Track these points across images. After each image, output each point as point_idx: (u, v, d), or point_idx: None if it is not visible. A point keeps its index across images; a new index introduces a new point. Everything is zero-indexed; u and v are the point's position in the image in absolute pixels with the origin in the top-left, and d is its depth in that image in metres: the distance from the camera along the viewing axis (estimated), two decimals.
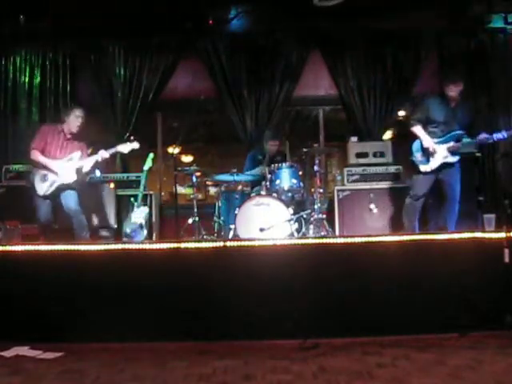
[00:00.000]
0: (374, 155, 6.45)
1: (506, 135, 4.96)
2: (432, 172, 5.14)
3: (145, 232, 5.61)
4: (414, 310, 3.95)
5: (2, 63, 7.13)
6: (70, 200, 5.29)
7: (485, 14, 6.97)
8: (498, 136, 4.98)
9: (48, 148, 5.30)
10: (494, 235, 4.12)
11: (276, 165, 5.64)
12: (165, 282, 4.03)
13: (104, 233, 6.03)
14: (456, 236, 4.20)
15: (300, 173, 5.65)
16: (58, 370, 3.31)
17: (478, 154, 6.24)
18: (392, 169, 6.36)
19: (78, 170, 5.25)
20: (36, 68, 7.12)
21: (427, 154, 5.14)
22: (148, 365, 3.41)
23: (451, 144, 5.08)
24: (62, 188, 5.27)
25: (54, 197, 5.30)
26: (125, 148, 5.40)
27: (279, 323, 3.91)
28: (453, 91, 5.05)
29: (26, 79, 7.10)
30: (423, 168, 5.15)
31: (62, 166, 5.24)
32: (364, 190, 6.23)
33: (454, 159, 5.12)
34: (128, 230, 5.61)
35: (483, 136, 5.02)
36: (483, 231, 4.38)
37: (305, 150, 5.81)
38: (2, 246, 4.30)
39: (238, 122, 7.15)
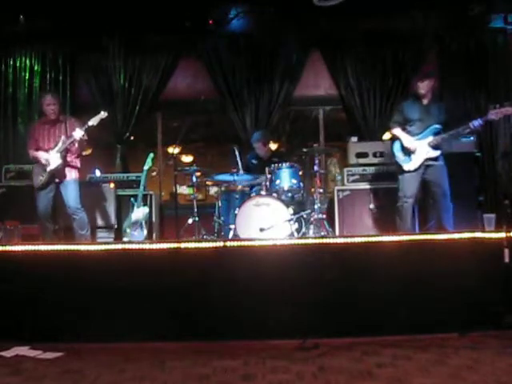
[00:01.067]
0: (374, 155, 6.45)
1: (481, 122, 4.98)
2: (416, 170, 5.16)
3: (145, 232, 5.62)
4: (414, 310, 3.95)
5: (2, 63, 7.12)
6: (69, 195, 5.31)
7: (485, 13, 6.99)
8: (475, 123, 4.98)
9: (39, 144, 5.37)
10: (493, 235, 4.12)
11: (276, 165, 5.64)
12: (165, 281, 4.03)
13: (101, 234, 6.03)
14: (456, 236, 4.20)
15: (300, 173, 5.65)
16: (58, 370, 3.31)
17: (477, 154, 6.26)
18: (392, 169, 6.35)
19: (61, 152, 5.24)
20: (36, 68, 7.12)
21: (408, 152, 5.18)
22: (148, 365, 3.41)
23: (430, 139, 5.11)
24: (59, 180, 5.29)
25: (51, 188, 5.32)
26: (94, 120, 5.31)
27: (279, 323, 3.91)
28: (421, 89, 5.16)
29: (26, 79, 7.10)
30: (407, 167, 5.18)
31: (51, 155, 5.26)
32: (364, 190, 6.23)
33: (435, 153, 5.14)
34: (128, 230, 5.62)
35: (476, 123, 5.00)
36: (483, 231, 4.38)
37: (305, 149, 5.81)
38: (2, 246, 4.30)
39: (238, 122, 7.15)
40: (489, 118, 5.00)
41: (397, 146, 5.30)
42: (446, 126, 5.14)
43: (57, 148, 5.24)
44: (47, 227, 5.40)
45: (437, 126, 5.14)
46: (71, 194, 5.32)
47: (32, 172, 5.41)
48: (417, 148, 5.13)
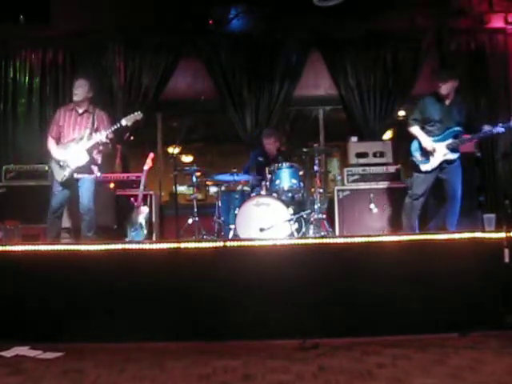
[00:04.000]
0: (374, 155, 6.45)
1: (504, 128, 4.98)
2: (432, 171, 5.14)
3: (145, 232, 5.61)
4: (414, 310, 3.95)
5: (2, 63, 7.11)
6: (85, 194, 5.13)
7: (485, 13, 6.99)
8: (498, 129, 4.99)
9: (62, 131, 5.19)
10: (494, 235, 4.12)
11: (276, 165, 5.65)
12: (165, 282, 4.04)
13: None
14: (456, 236, 4.20)
15: (300, 173, 5.65)
16: (58, 369, 3.31)
17: (478, 154, 6.25)
18: (392, 169, 6.36)
19: (89, 150, 5.06)
20: (36, 68, 7.11)
21: (426, 153, 5.14)
22: (148, 365, 3.41)
23: (450, 141, 5.09)
24: (79, 175, 5.11)
25: (71, 186, 5.16)
26: (129, 120, 5.16)
27: (279, 323, 3.92)
28: (444, 89, 5.09)
29: (26, 79, 7.09)
30: (424, 168, 5.15)
31: (72, 150, 5.07)
32: (364, 190, 6.23)
33: (454, 156, 5.12)
34: (128, 230, 5.61)
35: (487, 128, 5.02)
36: (483, 231, 4.39)
37: (305, 149, 5.81)
38: (2, 246, 4.30)
39: (238, 121, 7.14)
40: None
41: (415, 146, 5.24)
42: (465, 128, 5.11)
43: (82, 142, 5.03)
44: (54, 226, 5.23)
45: (457, 128, 5.09)
46: (88, 192, 5.14)
47: (52, 165, 5.21)
48: (435, 149, 5.09)
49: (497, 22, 7.05)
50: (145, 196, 5.96)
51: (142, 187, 5.80)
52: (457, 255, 4.04)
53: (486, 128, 5.04)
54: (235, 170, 5.85)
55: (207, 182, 6.53)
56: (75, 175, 5.12)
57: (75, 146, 5.09)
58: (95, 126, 5.14)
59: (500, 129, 5.00)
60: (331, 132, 7.74)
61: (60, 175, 5.12)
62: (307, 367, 3.22)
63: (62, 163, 5.11)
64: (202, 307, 4.00)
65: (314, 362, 3.34)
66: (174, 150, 6.10)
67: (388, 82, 7.08)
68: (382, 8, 6.65)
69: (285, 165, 5.61)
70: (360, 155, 6.46)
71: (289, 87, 7.14)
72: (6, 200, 6.06)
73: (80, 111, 5.22)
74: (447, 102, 5.15)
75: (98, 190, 6.06)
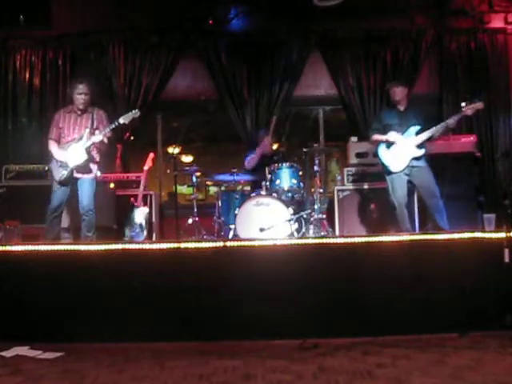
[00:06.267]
0: (374, 155, 6.43)
1: (456, 119, 5.09)
2: (403, 171, 5.17)
3: (145, 232, 5.61)
4: (414, 310, 3.95)
5: (2, 63, 7.12)
6: (85, 194, 5.13)
7: (485, 13, 6.99)
8: (451, 121, 5.09)
9: (62, 132, 5.20)
10: (494, 235, 4.12)
11: (276, 165, 5.64)
12: (165, 282, 4.04)
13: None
14: (456, 236, 4.20)
15: (300, 173, 5.65)
16: (58, 369, 3.31)
17: (477, 154, 6.25)
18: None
19: (87, 149, 5.07)
20: (36, 68, 7.11)
21: (394, 151, 5.21)
22: (148, 365, 3.41)
23: (413, 137, 5.16)
24: (79, 175, 5.12)
25: (70, 186, 5.15)
26: (126, 118, 5.18)
27: (279, 323, 3.92)
28: (396, 95, 5.32)
29: (26, 79, 7.09)
30: (394, 168, 5.20)
31: (72, 150, 5.08)
32: (364, 190, 6.23)
33: (421, 152, 5.16)
34: (128, 230, 5.61)
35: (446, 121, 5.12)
36: (483, 231, 4.38)
37: (305, 149, 5.81)
38: (2, 246, 4.30)
39: (238, 122, 7.14)
40: (463, 115, 5.09)
41: (381, 149, 5.34)
42: (425, 129, 5.17)
43: (81, 141, 5.05)
44: (54, 226, 5.20)
45: (416, 126, 5.18)
46: (87, 192, 5.14)
47: (51, 165, 5.21)
48: (401, 141, 5.17)
49: (497, 22, 7.06)
50: (145, 196, 5.96)
51: (141, 187, 5.81)
52: (457, 255, 4.04)
53: (446, 121, 5.13)
54: (235, 170, 5.85)
55: (207, 182, 6.53)
56: (74, 174, 5.13)
57: (75, 146, 5.10)
58: (95, 125, 5.15)
59: (452, 119, 5.09)
60: (331, 132, 7.74)
61: (59, 174, 5.12)
62: (307, 367, 3.22)
63: (61, 163, 5.12)
64: (202, 307, 4.00)
65: (314, 362, 3.34)
66: (173, 149, 6.10)
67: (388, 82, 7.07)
68: (382, 8, 6.66)
69: (285, 165, 5.61)
70: (360, 155, 6.46)
71: (289, 87, 7.15)
72: (5, 200, 6.06)
73: (79, 112, 5.23)
74: (401, 108, 5.34)
75: (98, 190, 6.07)
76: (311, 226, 5.47)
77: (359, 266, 4.06)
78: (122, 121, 5.16)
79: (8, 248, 4.26)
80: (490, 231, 4.42)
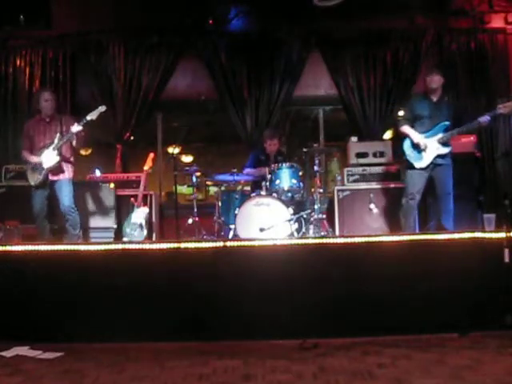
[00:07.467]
0: (374, 155, 6.44)
1: (489, 117, 5.02)
2: (425, 168, 5.16)
3: (145, 232, 5.61)
4: (415, 310, 3.95)
5: (3, 63, 7.11)
6: (64, 195, 5.28)
7: (485, 13, 6.99)
8: (483, 118, 5.01)
9: (34, 141, 5.34)
10: (494, 235, 4.12)
11: (276, 165, 5.65)
12: (165, 282, 4.04)
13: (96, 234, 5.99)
14: (456, 236, 4.20)
15: (300, 173, 5.65)
16: (58, 369, 3.32)
17: (477, 154, 6.25)
18: (392, 169, 6.35)
19: (59, 149, 5.21)
20: (36, 68, 7.11)
21: (419, 149, 5.17)
22: (148, 365, 3.41)
23: (441, 135, 5.12)
24: (54, 177, 5.26)
25: (47, 187, 5.29)
26: (93, 115, 5.27)
27: (279, 323, 3.92)
28: (434, 83, 5.18)
29: (26, 79, 7.09)
30: (418, 165, 5.17)
31: (44, 154, 5.22)
32: (364, 190, 6.22)
33: (446, 150, 5.13)
34: (128, 230, 5.61)
35: (478, 120, 5.03)
36: (483, 231, 4.38)
37: (305, 149, 5.80)
38: (2, 246, 4.30)
39: (238, 121, 7.14)
40: (498, 113, 5.02)
41: (407, 144, 5.26)
42: (455, 123, 5.12)
43: (53, 145, 5.20)
44: (44, 227, 5.34)
45: (446, 122, 5.12)
46: (66, 193, 5.29)
47: (27, 171, 5.36)
48: (427, 145, 5.11)
49: (497, 22, 7.05)
50: (145, 196, 5.96)
51: (141, 187, 5.81)
52: (457, 255, 4.03)
53: (478, 119, 5.05)
54: (235, 170, 5.85)
55: (207, 182, 6.52)
56: (50, 177, 5.26)
57: (47, 151, 5.24)
58: (64, 129, 5.28)
59: (486, 118, 5.01)
60: (331, 132, 7.74)
61: (33, 178, 5.26)
62: (307, 367, 3.22)
63: (34, 166, 5.24)
64: (202, 307, 4.00)
65: (314, 362, 3.35)
66: (173, 150, 6.10)
67: (388, 82, 7.08)
68: (382, 8, 6.65)
69: (285, 165, 5.61)
70: (360, 155, 6.45)
71: (289, 87, 7.14)
72: (6, 200, 6.06)
73: (47, 119, 5.37)
74: (435, 99, 5.22)
75: (98, 190, 6.08)
76: (311, 226, 5.47)
77: (359, 266, 4.06)
78: (89, 117, 5.25)
79: (8, 248, 4.26)
80: (490, 231, 4.42)
